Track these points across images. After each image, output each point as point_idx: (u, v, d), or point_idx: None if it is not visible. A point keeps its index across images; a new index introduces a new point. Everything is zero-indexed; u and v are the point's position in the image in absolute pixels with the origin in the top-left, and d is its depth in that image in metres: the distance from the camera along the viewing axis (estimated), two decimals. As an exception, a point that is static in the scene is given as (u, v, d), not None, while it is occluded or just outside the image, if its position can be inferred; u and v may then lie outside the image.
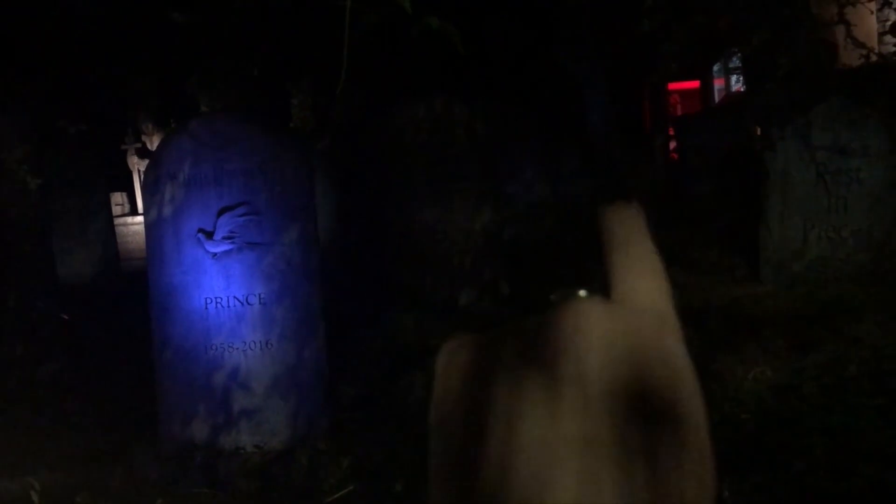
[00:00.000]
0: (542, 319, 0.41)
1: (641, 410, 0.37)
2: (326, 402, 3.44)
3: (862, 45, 4.30)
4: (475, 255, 5.27)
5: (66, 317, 4.97)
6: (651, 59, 5.47)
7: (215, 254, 3.31)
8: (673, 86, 15.39)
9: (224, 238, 3.32)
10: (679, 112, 16.53)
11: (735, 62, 11.79)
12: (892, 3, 5.51)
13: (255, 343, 3.33)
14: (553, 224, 8.73)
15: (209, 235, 3.31)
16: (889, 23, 7.03)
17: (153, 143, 10.00)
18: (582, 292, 0.43)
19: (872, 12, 5.01)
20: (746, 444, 2.88)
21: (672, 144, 11.67)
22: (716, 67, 14.54)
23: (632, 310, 0.41)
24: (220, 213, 3.32)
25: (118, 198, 9.88)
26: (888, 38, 7.34)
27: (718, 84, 15.21)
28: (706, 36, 5.22)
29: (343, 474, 3.08)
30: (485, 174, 5.45)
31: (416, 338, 4.58)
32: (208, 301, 3.34)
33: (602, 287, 0.42)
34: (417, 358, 4.20)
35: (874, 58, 4.60)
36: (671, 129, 11.71)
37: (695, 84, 15.66)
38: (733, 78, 13.60)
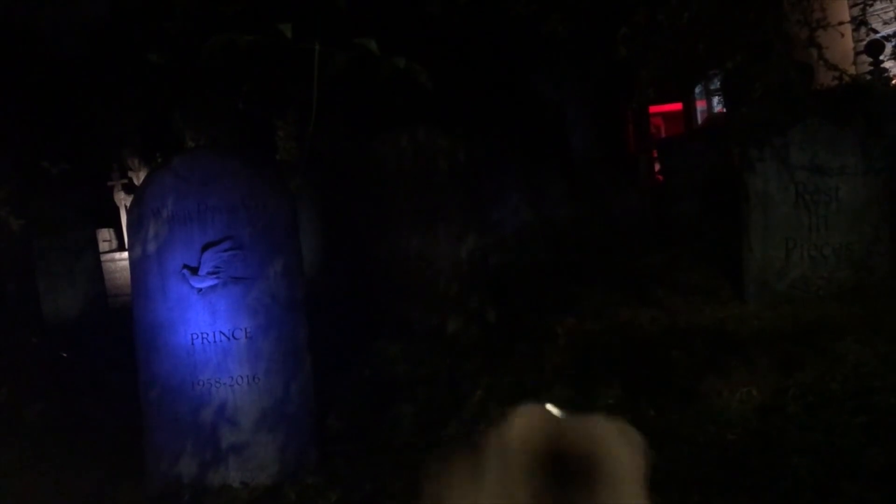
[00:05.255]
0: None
1: (559, 476, 0.39)
2: (314, 436, 3.43)
3: (834, 67, 4.38)
4: (461, 282, 5.29)
5: (64, 354, 4.96)
6: (632, 83, 5.56)
7: (200, 289, 3.32)
8: (656, 108, 15.55)
9: (209, 273, 3.33)
10: (663, 134, 16.70)
11: (716, 84, 11.94)
12: (867, 24, 5.63)
13: (241, 378, 3.33)
14: (539, 249, 8.78)
15: (194, 271, 3.32)
16: (864, 43, 7.16)
17: (140, 178, 10.00)
18: (549, 406, 0.46)
19: (843, 35, 5.10)
20: (733, 465, 2.90)
21: (656, 167, 11.78)
22: (697, 90, 14.73)
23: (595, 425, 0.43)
24: (205, 248, 3.33)
25: (105, 234, 9.85)
26: (864, 57, 7.49)
27: (701, 106, 15.40)
28: (684, 60, 5.31)
29: (332, 509, 3.07)
30: (469, 201, 5.48)
31: (404, 367, 4.58)
32: (194, 337, 3.34)
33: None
34: (406, 388, 4.21)
35: (846, 79, 4.69)
36: (654, 151, 11.82)
37: (678, 106, 15.83)
38: (715, 100, 13.76)
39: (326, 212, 6.73)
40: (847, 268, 4.81)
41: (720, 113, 12.92)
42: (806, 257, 4.84)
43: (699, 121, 15.20)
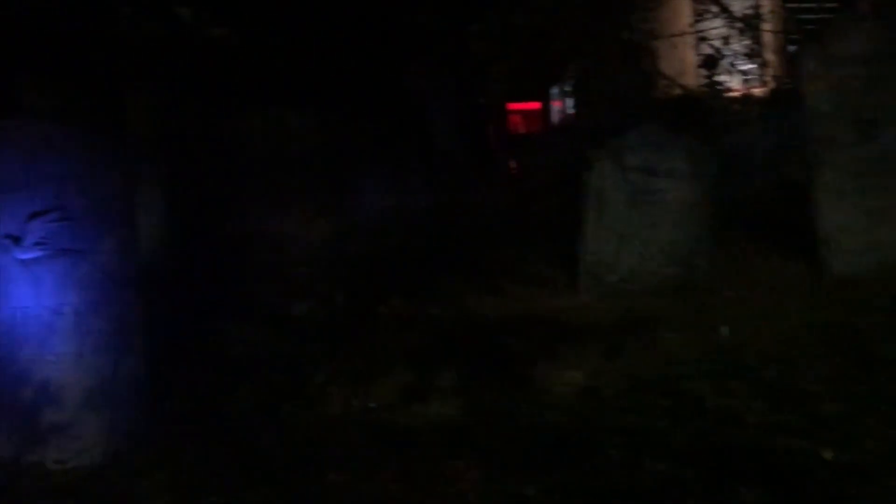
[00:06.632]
0: None
1: None
2: (144, 417, 3.35)
3: (664, 76, 4.71)
4: (311, 265, 5.30)
5: None
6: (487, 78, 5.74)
7: (24, 261, 3.16)
8: (516, 106, 15.97)
9: (34, 244, 3.17)
10: (522, 131, 17.18)
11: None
12: (706, 39, 6.08)
13: (66, 355, 3.19)
14: (395, 237, 8.86)
15: (17, 241, 3.15)
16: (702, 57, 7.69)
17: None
18: None
19: (676, 47, 5.48)
20: (552, 444, 3.09)
21: (513, 163, 12.12)
22: (555, 90, 15.26)
23: None
24: (31, 218, 3.17)
25: (-73, 202, 9.09)
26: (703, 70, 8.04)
27: (557, 106, 15.95)
28: (536, 60, 5.53)
29: (158, 490, 3.01)
30: (324, 186, 5.49)
31: (245, 350, 4.54)
32: (16, 311, 3.18)
33: None
34: (246, 370, 4.18)
35: (677, 90, 5.05)
36: (512, 147, 12.16)
37: (537, 105, 16.32)
38: (570, 101, 14.31)
39: (175, 190, 6.51)
40: (672, 265, 5.17)
41: (573, 114, 13.47)
42: (635, 254, 5.16)
43: (556, 120, 15.74)
